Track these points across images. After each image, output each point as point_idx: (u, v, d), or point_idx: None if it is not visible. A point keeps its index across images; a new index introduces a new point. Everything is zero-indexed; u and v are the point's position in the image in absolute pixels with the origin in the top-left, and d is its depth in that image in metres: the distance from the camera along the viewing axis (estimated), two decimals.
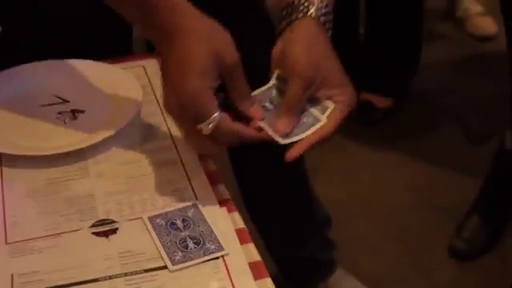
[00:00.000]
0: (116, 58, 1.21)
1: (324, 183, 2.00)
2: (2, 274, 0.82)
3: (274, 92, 0.95)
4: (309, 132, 0.90)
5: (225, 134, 0.88)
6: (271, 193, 1.74)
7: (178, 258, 0.84)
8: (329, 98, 0.93)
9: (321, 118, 0.91)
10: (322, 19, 0.95)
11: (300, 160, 1.73)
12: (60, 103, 1.11)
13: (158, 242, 0.85)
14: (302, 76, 0.91)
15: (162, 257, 0.83)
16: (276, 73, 0.94)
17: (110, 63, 1.18)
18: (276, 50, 0.95)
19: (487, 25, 3.17)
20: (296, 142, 0.90)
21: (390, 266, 2.12)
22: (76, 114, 1.09)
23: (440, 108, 2.80)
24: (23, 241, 0.87)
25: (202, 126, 0.85)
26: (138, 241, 0.87)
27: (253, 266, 0.84)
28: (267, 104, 0.94)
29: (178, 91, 0.85)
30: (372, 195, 2.40)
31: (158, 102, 1.11)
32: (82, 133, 1.04)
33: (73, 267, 0.83)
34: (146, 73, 1.19)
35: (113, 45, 1.29)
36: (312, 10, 0.94)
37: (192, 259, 0.83)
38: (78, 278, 0.82)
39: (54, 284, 0.81)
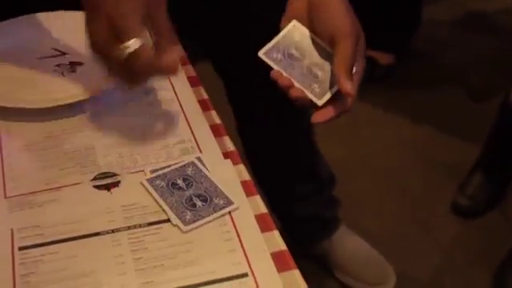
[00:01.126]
0: None
1: (324, 141, 1.98)
2: (2, 229, 0.81)
3: (296, 39, 0.92)
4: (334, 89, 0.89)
5: (142, 67, 0.85)
6: (276, 152, 1.73)
7: (188, 217, 0.82)
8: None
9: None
10: None
11: (305, 119, 1.73)
12: (58, 55, 1.10)
13: (163, 204, 0.84)
14: (355, 35, 0.89)
15: (170, 218, 0.82)
16: (293, 22, 0.91)
17: None
18: (300, 5, 0.92)
19: None
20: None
21: (392, 224, 2.13)
22: (74, 66, 1.07)
23: (441, 65, 2.80)
24: (22, 195, 0.86)
25: (120, 47, 0.82)
26: (141, 194, 0.85)
27: (259, 218, 0.82)
28: (294, 51, 0.91)
29: (108, 15, 0.83)
30: (373, 153, 2.40)
31: None
32: (81, 85, 1.02)
33: (74, 221, 0.82)
34: None
35: None
36: None
37: (203, 217, 0.82)
38: (79, 232, 0.80)
39: (54, 238, 0.80)
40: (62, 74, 1.06)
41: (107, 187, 0.87)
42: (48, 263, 0.77)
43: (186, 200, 0.84)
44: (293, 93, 0.89)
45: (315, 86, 0.89)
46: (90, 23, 0.85)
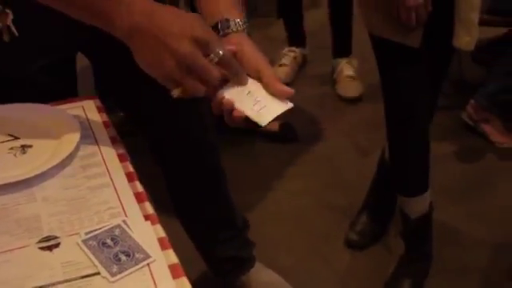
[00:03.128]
0: (60, 101, 1.19)
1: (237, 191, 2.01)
2: None
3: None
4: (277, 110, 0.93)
5: (229, 62, 0.92)
6: (199, 207, 1.74)
7: (114, 270, 0.83)
8: None
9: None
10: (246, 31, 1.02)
11: (222, 180, 1.75)
12: (11, 140, 1.08)
13: (94, 260, 0.84)
14: (269, 66, 0.97)
15: (100, 271, 0.82)
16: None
17: (54, 105, 1.16)
18: None
19: (355, 88, 2.97)
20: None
21: (299, 259, 2.11)
22: (25, 148, 1.06)
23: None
24: None
25: (212, 56, 0.89)
26: (77, 253, 0.85)
27: (172, 267, 0.83)
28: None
29: (186, 36, 0.88)
30: (281, 200, 2.38)
31: (94, 135, 1.10)
32: (30, 164, 1.01)
33: (22, 277, 0.82)
34: (85, 111, 1.17)
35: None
36: (242, 26, 1.01)
37: (126, 269, 0.83)
38: (26, 286, 0.80)
39: None
40: (15, 155, 1.05)
41: (49, 248, 0.86)
42: None
43: (113, 256, 0.84)
44: (234, 113, 0.93)
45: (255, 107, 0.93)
46: (153, 64, 0.90)
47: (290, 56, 3.17)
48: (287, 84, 2.79)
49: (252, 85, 0.95)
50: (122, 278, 0.82)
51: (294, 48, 3.18)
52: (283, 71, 3.10)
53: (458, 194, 2.35)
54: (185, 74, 0.89)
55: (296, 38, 3.20)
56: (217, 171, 1.72)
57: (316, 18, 3.39)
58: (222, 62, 0.91)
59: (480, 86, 2.65)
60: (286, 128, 2.69)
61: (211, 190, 1.72)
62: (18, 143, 1.08)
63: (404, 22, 1.50)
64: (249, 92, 0.94)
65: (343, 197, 2.36)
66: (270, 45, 3.27)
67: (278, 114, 0.93)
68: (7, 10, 1.14)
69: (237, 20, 1.01)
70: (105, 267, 0.83)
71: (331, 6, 2.96)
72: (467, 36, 1.49)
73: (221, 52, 0.90)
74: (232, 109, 0.93)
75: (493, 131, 2.61)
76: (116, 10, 0.91)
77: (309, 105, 2.93)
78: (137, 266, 0.83)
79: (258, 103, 0.93)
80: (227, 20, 1.01)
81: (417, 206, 1.89)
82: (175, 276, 0.82)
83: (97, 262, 0.83)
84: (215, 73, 0.90)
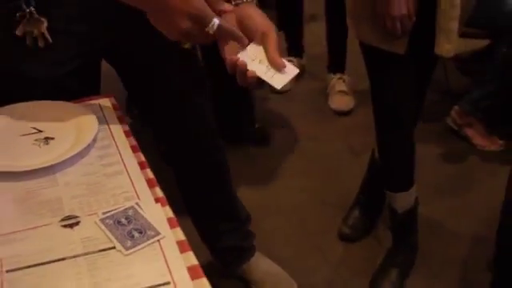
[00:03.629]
0: (80, 99, 1.23)
1: (240, 188, 2.00)
2: None
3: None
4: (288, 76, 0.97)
5: (225, 31, 0.96)
6: (205, 200, 1.77)
7: (128, 245, 0.86)
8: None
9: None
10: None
11: (227, 176, 1.77)
12: (36, 133, 1.12)
13: (111, 236, 0.88)
14: (274, 30, 1.00)
15: (115, 246, 0.86)
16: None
17: (75, 103, 1.20)
18: (232, 21, 1.01)
19: (346, 102, 2.97)
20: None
21: (295, 250, 2.13)
22: (48, 140, 1.10)
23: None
24: (7, 233, 0.89)
25: (208, 28, 0.94)
26: (95, 230, 0.89)
27: (179, 243, 0.87)
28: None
29: (184, 13, 0.93)
30: (280, 197, 2.40)
31: (109, 129, 1.14)
32: (52, 153, 1.05)
33: (46, 250, 0.85)
34: (101, 108, 1.21)
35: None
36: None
37: (139, 244, 0.86)
38: (50, 258, 0.84)
39: (32, 263, 0.83)
40: (39, 146, 1.08)
41: (70, 226, 0.90)
42: (27, 281, 0.80)
43: (127, 233, 0.88)
44: (248, 74, 0.97)
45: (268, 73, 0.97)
46: (169, 21, 0.94)
47: None
48: (285, 92, 2.80)
49: (262, 54, 0.98)
50: (134, 251, 0.86)
51: (291, 58, 3.21)
52: None
53: (442, 191, 2.38)
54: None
55: (295, 48, 3.23)
56: (222, 168, 1.75)
57: (314, 31, 3.41)
58: (219, 31, 0.96)
59: (465, 94, 2.68)
60: (261, 131, 2.74)
61: (217, 185, 1.75)
62: (41, 136, 1.11)
63: (390, 30, 1.53)
64: (260, 60, 0.98)
65: (337, 194, 2.38)
66: None
67: (290, 79, 0.97)
68: (42, 19, 1.16)
69: None
70: (120, 242, 0.87)
71: (328, 23, 2.97)
72: (447, 44, 1.52)
73: (216, 23, 0.95)
74: (245, 70, 0.97)
75: (475, 135, 2.64)
76: None
77: (306, 111, 2.99)
78: (148, 242, 0.87)
79: (270, 70, 0.97)
80: None
81: (403, 200, 1.91)
82: (182, 250, 0.86)
83: (113, 238, 0.87)
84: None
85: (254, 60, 0.98)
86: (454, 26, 1.50)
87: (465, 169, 2.54)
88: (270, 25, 1.01)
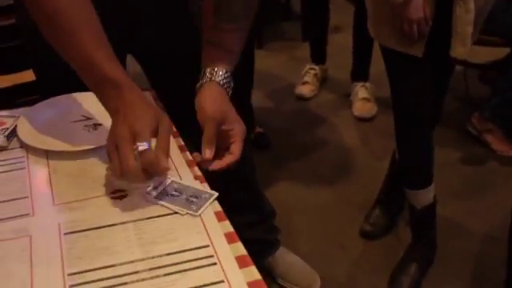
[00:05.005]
0: None
1: (268, 187, 2.02)
2: (53, 223, 0.93)
3: None
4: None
5: (144, 163, 0.92)
6: (235, 195, 1.77)
7: (194, 207, 0.95)
8: (229, 131, 1.07)
9: None
10: (223, 82, 1.11)
11: (253, 172, 1.82)
12: (85, 119, 1.21)
13: (174, 207, 0.95)
14: (211, 117, 1.05)
15: (180, 212, 0.93)
16: None
17: None
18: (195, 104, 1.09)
19: (369, 109, 3.05)
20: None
21: (318, 245, 2.20)
22: (96, 126, 1.19)
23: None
24: (65, 203, 0.98)
25: (138, 144, 0.91)
26: (141, 202, 0.97)
27: (216, 214, 0.96)
28: None
29: (113, 129, 0.93)
30: (305, 195, 2.48)
31: None
32: (100, 137, 1.11)
33: (98, 217, 0.94)
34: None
35: None
36: (216, 78, 1.10)
37: (204, 204, 0.96)
38: (101, 223, 0.92)
39: (87, 227, 0.92)
40: (89, 131, 1.18)
41: (120, 198, 0.99)
42: (82, 242, 0.89)
43: (185, 200, 0.97)
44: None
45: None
46: (114, 128, 0.94)
47: (311, 74, 3.29)
48: (311, 98, 2.80)
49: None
50: (203, 211, 0.95)
51: (314, 65, 3.31)
52: (307, 89, 3.24)
53: (461, 193, 2.44)
54: (114, 150, 0.92)
55: (318, 56, 3.32)
56: (249, 163, 1.81)
57: (338, 42, 3.51)
58: (142, 155, 0.91)
59: (484, 102, 2.75)
60: (260, 137, 2.81)
61: (243, 179, 1.80)
62: (90, 122, 1.21)
63: (408, 34, 1.61)
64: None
65: (359, 194, 2.44)
66: (296, 65, 3.41)
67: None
68: None
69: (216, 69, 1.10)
70: (186, 208, 0.95)
71: (355, 33, 3.06)
72: (462, 47, 1.60)
73: (145, 146, 0.91)
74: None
75: (494, 140, 2.71)
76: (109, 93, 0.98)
77: (329, 116, 3.08)
78: (210, 201, 0.97)
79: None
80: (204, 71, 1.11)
81: (422, 198, 1.98)
82: (220, 219, 0.95)
83: (174, 207, 0.95)
84: (131, 161, 0.90)
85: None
86: (469, 30, 1.57)
87: (484, 173, 2.60)
88: (211, 111, 1.06)
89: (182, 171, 1.07)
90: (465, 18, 1.56)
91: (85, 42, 0.99)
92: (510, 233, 1.72)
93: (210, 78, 1.11)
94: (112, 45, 1.02)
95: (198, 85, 1.12)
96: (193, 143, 1.11)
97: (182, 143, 1.18)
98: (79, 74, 1.01)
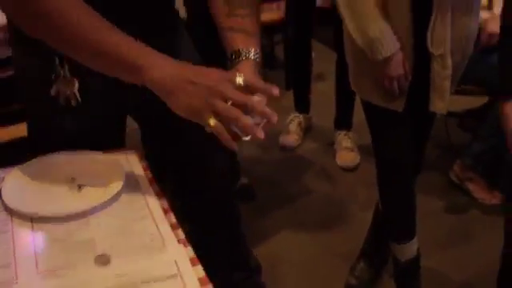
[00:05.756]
0: (109, 150, 1.33)
1: (252, 239, 2.04)
2: None
3: None
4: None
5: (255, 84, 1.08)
6: (219, 250, 1.79)
7: None
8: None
9: None
10: (257, 59, 1.22)
11: (238, 223, 1.79)
12: (70, 181, 1.22)
13: None
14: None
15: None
16: None
17: (104, 153, 1.30)
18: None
19: (352, 158, 3.07)
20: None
21: None
22: (81, 187, 1.20)
23: None
24: (49, 270, 0.98)
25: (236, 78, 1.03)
26: (129, 265, 0.98)
27: (200, 280, 0.98)
28: None
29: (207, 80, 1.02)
30: (289, 249, 2.47)
31: (136, 177, 1.24)
32: (85, 199, 1.16)
33: (83, 285, 0.95)
34: (128, 158, 1.32)
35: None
36: (251, 55, 1.21)
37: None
38: None
39: None
40: (73, 193, 1.19)
41: (104, 263, 0.99)
42: None
43: None
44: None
45: None
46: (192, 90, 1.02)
47: (295, 122, 3.32)
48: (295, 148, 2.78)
49: None
50: None
51: (297, 114, 3.35)
52: (291, 138, 3.27)
53: (445, 243, 2.45)
54: (213, 102, 1.01)
55: (302, 105, 3.37)
56: (233, 215, 1.79)
57: (322, 90, 3.57)
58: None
59: (466, 148, 2.79)
60: (245, 189, 2.81)
61: (228, 232, 1.78)
62: (75, 183, 1.22)
63: (388, 89, 1.65)
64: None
65: (344, 244, 2.43)
66: (280, 114, 3.41)
67: None
68: (74, 79, 1.26)
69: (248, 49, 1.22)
70: None
71: (337, 82, 3.10)
72: (441, 102, 1.64)
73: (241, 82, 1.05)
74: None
75: (476, 189, 2.73)
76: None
77: (313, 165, 3.10)
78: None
79: None
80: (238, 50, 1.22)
81: (406, 251, 1.99)
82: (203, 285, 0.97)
83: None
84: (243, 95, 1.04)
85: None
86: (447, 85, 1.61)
87: (466, 222, 2.61)
88: (258, 85, 1.13)
89: (163, 230, 1.09)
90: (443, 74, 1.61)
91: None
92: (499, 279, 1.73)
93: (247, 57, 1.22)
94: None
95: (233, 63, 1.22)
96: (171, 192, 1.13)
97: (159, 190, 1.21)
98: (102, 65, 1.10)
